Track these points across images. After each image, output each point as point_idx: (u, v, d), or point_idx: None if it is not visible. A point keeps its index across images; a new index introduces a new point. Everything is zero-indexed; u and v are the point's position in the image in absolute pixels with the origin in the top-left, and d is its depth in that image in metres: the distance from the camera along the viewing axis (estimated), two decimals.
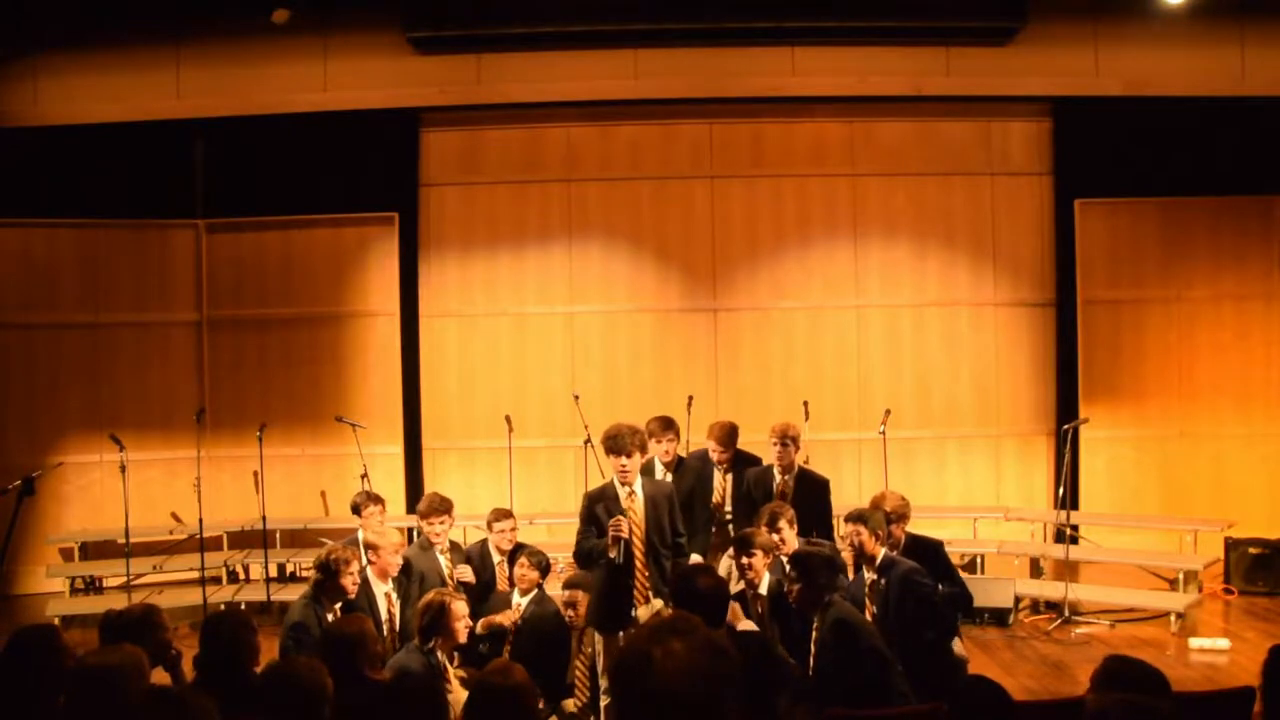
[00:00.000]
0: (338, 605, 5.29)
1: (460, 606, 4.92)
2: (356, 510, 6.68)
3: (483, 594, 6.20)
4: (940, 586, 5.63)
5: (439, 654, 4.82)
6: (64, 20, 8.97)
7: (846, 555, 5.82)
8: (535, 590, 5.99)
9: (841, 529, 5.70)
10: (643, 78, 9.49)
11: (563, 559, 7.85)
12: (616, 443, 5.49)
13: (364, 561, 5.70)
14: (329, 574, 5.27)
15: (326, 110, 9.44)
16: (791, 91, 9.59)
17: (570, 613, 5.76)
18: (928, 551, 5.88)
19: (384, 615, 5.67)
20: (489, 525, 6.46)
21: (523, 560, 6.04)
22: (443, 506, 6.26)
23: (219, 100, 9.39)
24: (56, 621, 7.96)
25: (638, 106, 9.79)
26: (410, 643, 4.99)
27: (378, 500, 6.76)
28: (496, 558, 6.39)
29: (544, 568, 6.07)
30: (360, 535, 6.40)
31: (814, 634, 4.79)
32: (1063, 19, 9.34)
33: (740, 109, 9.88)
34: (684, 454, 7.03)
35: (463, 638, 4.98)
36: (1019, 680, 6.40)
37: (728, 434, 6.86)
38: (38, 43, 9.17)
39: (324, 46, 9.41)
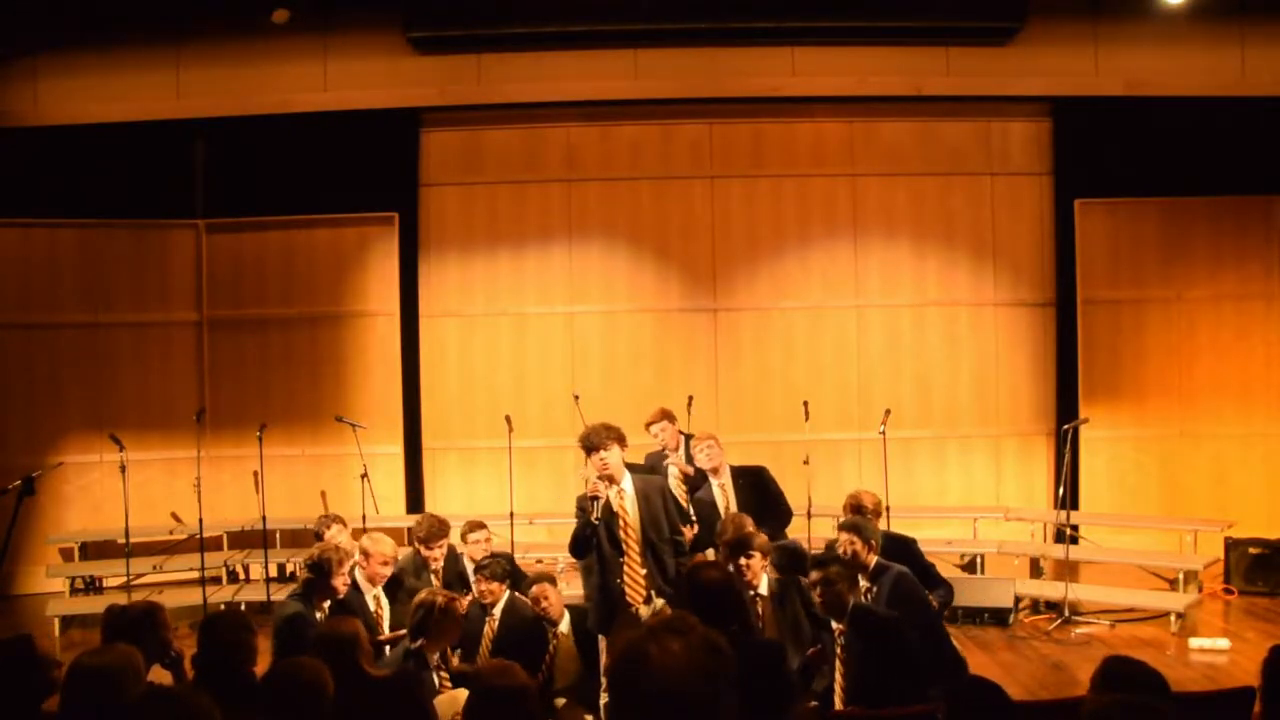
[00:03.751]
0: (326, 604, 5.30)
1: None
2: (319, 536, 6.49)
3: None
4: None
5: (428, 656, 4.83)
6: (64, 20, 8.96)
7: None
8: (505, 598, 5.98)
9: (838, 537, 5.72)
10: (643, 78, 9.49)
11: (562, 558, 7.88)
12: (589, 440, 5.49)
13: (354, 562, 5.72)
14: (320, 573, 5.27)
15: (326, 110, 9.43)
16: (791, 91, 9.59)
17: (544, 605, 5.76)
18: (901, 548, 5.87)
19: (373, 618, 5.68)
20: (463, 537, 6.45)
21: (478, 578, 5.99)
22: (441, 531, 6.24)
23: (219, 100, 9.39)
24: (56, 621, 7.98)
25: (638, 106, 9.79)
26: (401, 644, 5.02)
27: (336, 520, 6.62)
28: (470, 568, 6.37)
29: (502, 575, 6.02)
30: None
31: (837, 639, 4.79)
32: (1063, 19, 9.34)
33: (740, 109, 9.88)
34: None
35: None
36: (1019, 680, 6.39)
37: (663, 410, 7.32)
38: (38, 43, 9.17)
39: (324, 46, 9.40)
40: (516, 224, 9.98)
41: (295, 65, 9.38)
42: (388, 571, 5.74)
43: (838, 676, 4.77)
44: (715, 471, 6.82)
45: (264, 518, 8.60)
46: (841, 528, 5.58)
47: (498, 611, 5.92)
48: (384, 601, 5.80)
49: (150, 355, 9.73)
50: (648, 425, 7.29)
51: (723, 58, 9.47)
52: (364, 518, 8.15)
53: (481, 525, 6.51)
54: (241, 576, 9.15)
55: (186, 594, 8.31)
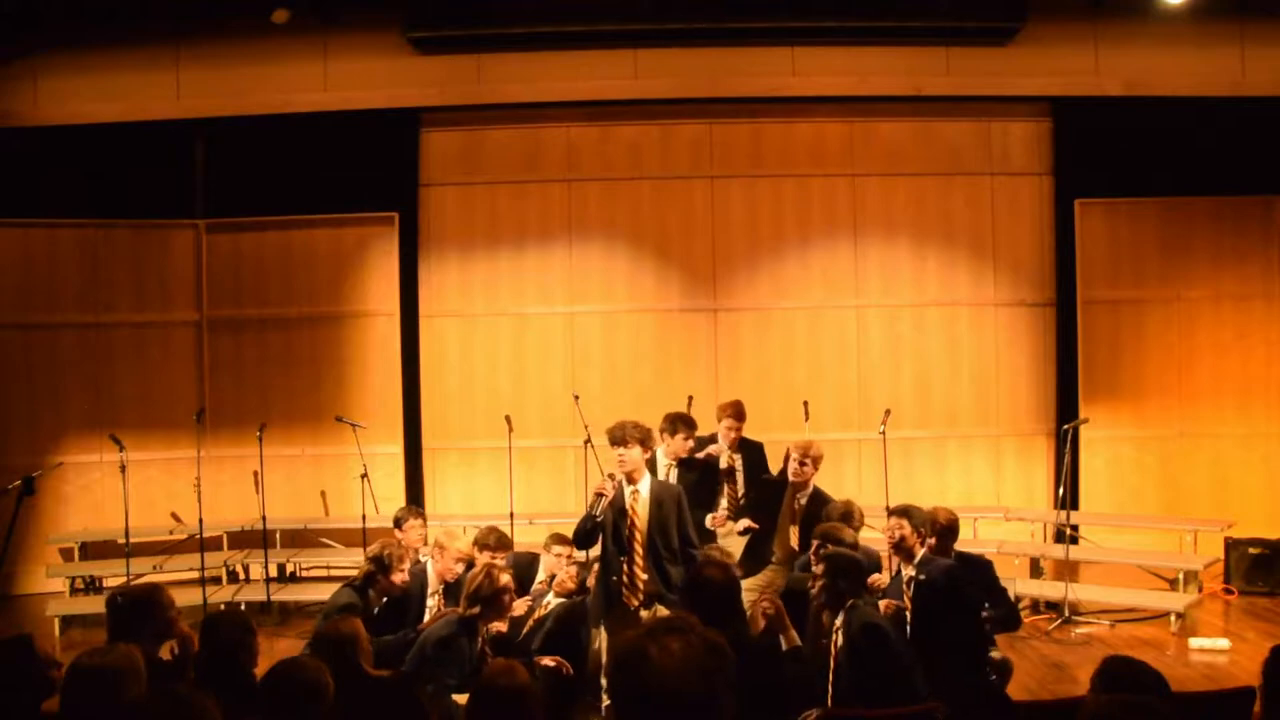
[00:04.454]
0: (384, 600, 5.36)
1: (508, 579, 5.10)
2: (399, 524, 6.56)
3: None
4: (986, 605, 5.58)
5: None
6: (64, 20, 8.97)
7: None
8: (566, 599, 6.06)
9: (885, 522, 5.68)
10: (643, 78, 9.50)
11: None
12: (613, 434, 5.58)
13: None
14: (381, 567, 5.33)
15: (326, 110, 9.45)
16: (791, 91, 9.59)
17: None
18: (976, 570, 5.83)
19: (427, 617, 5.71)
20: (545, 547, 6.48)
21: (571, 570, 6.09)
22: (510, 541, 6.33)
23: (219, 100, 9.40)
24: (56, 621, 7.99)
25: (638, 106, 9.80)
26: (453, 612, 5.07)
27: (419, 514, 6.67)
28: (541, 575, 6.40)
29: (582, 584, 6.07)
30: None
31: (834, 635, 4.79)
32: (1063, 19, 9.35)
33: (740, 109, 9.88)
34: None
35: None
36: (1019, 680, 6.36)
37: (739, 408, 7.10)
38: (38, 43, 9.18)
39: (324, 46, 9.41)
40: (516, 224, 9.98)
41: (295, 65, 9.39)
42: (460, 569, 5.81)
43: (829, 674, 4.78)
44: (799, 487, 6.49)
45: (264, 518, 8.61)
46: (892, 513, 5.53)
47: (555, 604, 5.98)
48: (443, 603, 5.84)
49: (150, 355, 9.73)
50: (721, 414, 7.13)
51: (723, 58, 9.47)
52: (364, 517, 8.16)
53: (566, 539, 6.49)
54: (241, 576, 9.16)
55: (186, 594, 8.28)
